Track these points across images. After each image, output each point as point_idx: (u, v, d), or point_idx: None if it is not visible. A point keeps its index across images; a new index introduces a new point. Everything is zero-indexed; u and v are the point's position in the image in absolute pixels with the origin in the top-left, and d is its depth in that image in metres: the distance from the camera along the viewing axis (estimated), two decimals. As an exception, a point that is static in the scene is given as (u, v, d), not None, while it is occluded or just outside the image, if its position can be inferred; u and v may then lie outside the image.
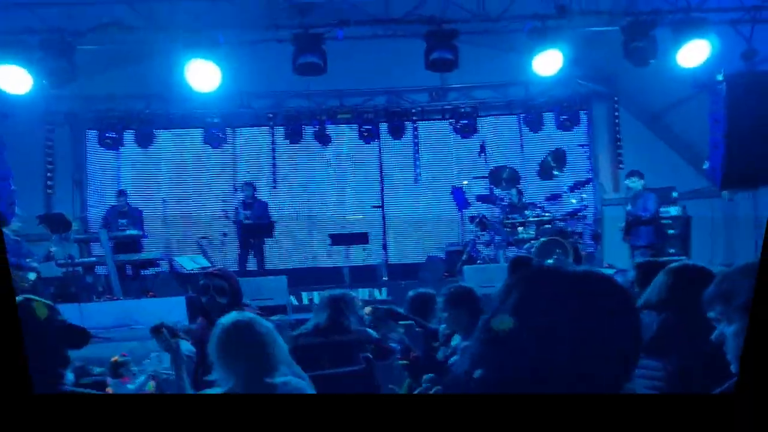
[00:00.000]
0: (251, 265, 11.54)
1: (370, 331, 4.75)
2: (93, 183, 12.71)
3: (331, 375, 4.37)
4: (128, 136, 12.53)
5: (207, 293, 4.15)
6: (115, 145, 12.45)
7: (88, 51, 8.61)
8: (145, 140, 12.51)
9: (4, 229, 8.19)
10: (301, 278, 10.84)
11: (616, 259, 10.65)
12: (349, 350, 4.62)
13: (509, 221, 10.33)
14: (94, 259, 10.79)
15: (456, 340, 4.13)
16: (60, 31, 8.07)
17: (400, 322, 4.39)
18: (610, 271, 8.86)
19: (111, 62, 11.00)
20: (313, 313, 5.32)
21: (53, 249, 9.15)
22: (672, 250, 10.05)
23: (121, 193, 11.28)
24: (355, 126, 12.72)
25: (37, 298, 2.57)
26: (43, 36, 8.01)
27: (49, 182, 12.27)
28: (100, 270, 10.76)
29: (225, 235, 11.92)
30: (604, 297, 1.18)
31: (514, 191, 10.62)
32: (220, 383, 2.83)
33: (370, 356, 4.61)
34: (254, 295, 8.45)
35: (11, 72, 7.99)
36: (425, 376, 2.98)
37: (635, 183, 9.68)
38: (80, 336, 2.57)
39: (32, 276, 8.39)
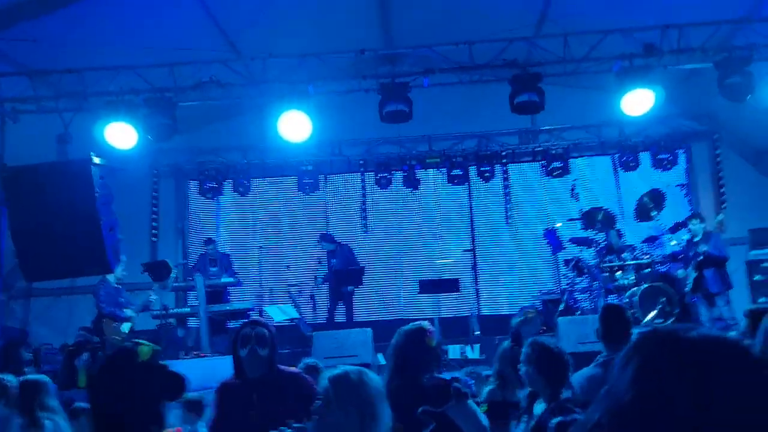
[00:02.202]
0: (339, 316, 11.48)
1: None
2: (194, 231, 13.30)
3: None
4: (227, 185, 13.06)
5: (247, 344, 3.57)
6: (215, 194, 13.01)
7: (189, 107, 9.17)
8: (242, 188, 13.01)
9: (108, 277, 8.68)
10: (388, 331, 10.45)
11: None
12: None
13: (606, 264, 9.91)
14: (187, 309, 10.66)
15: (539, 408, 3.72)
16: (162, 90, 8.65)
17: None
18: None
19: (210, 117, 11.65)
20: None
21: (153, 298, 9.26)
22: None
23: (209, 241, 11.51)
24: (444, 170, 12.73)
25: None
26: (147, 95, 8.61)
27: (154, 231, 12.95)
28: (191, 322, 10.72)
29: (316, 279, 11.79)
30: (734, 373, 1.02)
31: (613, 232, 10.22)
32: None
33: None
34: (335, 351, 8.10)
35: (119, 129, 8.61)
36: None
37: (696, 226, 9.14)
38: (178, 383, 2.42)
39: (126, 327, 8.68)
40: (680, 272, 9.51)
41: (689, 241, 9.39)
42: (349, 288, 11.49)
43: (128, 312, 8.79)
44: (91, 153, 8.13)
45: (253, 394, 3.49)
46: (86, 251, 8.05)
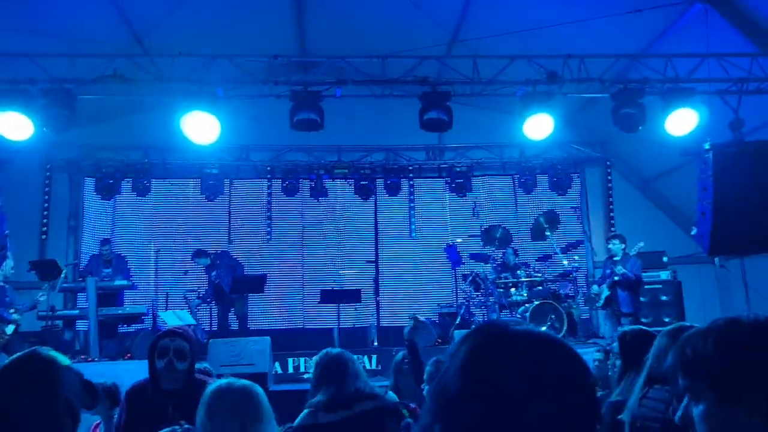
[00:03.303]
0: (234, 324, 11.26)
1: (391, 394, 4.23)
2: (88, 230, 12.71)
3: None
4: (125, 184, 12.59)
5: (165, 356, 3.43)
6: (112, 192, 12.50)
7: (89, 101, 8.78)
8: (141, 188, 12.58)
9: (-7, 275, 8.17)
10: (287, 341, 10.27)
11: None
12: (381, 420, 3.59)
13: (501, 281, 10.31)
14: (76, 311, 10.24)
15: None
16: (62, 81, 8.24)
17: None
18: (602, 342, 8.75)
19: (112, 113, 11.19)
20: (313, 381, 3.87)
21: (41, 298, 8.85)
22: (667, 319, 9.92)
23: (105, 241, 11.12)
24: (351, 181, 12.84)
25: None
26: (45, 85, 8.18)
27: (44, 228, 12.27)
28: (80, 325, 10.28)
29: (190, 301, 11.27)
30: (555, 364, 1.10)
31: (509, 250, 10.64)
32: None
33: (410, 422, 3.82)
34: (231, 359, 7.94)
35: (12, 118, 8.12)
36: None
37: (617, 246, 9.50)
38: (92, 394, 2.30)
39: (10, 329, 8.20)
40: (594, 288, 9.88)
41: (607, 260, 9.75)
42: (244, 295, 11.27)
43: (14, 315, 8.29)
44: (-20, 142, 7.64)
45: (168, 405, 3.35)
46: (-32, 246, 7.57)
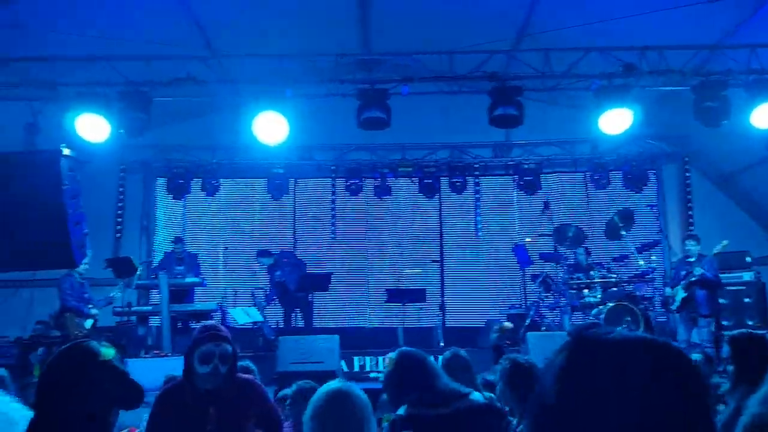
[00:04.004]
0: (298, 321, 11.31)
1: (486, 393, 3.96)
2: (160, 229, 13.04)
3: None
4: (195, 184, 12.85)
5: (210, 362, 3.31)
6: (183, 192, 12.79)
7: (162, 103, 8.98)
8: (210, 188, 12.81)
9: (72, 272, 8.44)
10: (351, 339, 10.11)
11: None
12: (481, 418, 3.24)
13: (574, 282, 10.00)
14: (149, 308, 10.56)
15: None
16: (138, 84, 8.45)
17: None
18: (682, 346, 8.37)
19: (181, 114, 11.42)
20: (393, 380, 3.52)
21: (116, 295, 9.12)
22: (751, 322, 9.44)
23: (178, 240, 11.39)
24: (416, 179, 12.73)
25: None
26: (122, 88, 8.40)
27: (118, 227, 12.65)
28: (153, 321, 10.57)
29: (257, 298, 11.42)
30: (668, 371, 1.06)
31: (581, 250, 10.31)
32: None
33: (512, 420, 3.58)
34: (300, 356, 7.98)
35: (91, 120, 8.38)
36: None
37: (694, 246, 9.14)
38: (136, 393, 2.31)
39: (89, 324, 8.48)
40: (667, 290, 9.55)
41: (681, 261, 9.42)
42: (309, 294, 11.33)
43: (93, 309, 8.56)
44: (62, 144, 7.89)
45: (209, 407, 3.28)
46: (51, 244, 7.81)
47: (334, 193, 13.14)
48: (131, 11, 8.89)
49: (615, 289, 9.80)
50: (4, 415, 2.69)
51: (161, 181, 13.02)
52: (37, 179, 7.85)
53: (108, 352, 2.21)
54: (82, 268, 8.66)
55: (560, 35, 8.89)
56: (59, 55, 8.49)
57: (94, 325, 8.60)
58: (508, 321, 10.90)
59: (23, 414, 2.65)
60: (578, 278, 10.14)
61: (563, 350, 1.14)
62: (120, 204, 12.75)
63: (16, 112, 8.80)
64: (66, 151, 7.94)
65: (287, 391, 5.25)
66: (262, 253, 11.46)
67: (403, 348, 3.65)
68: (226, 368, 3.34)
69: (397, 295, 11.06)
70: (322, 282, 11.30)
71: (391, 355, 3.59)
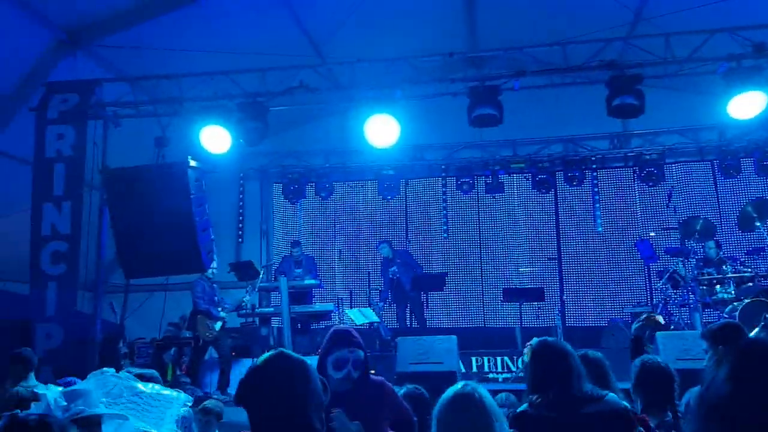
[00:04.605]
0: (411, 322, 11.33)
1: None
2: (278, 233, 13.50)
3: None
4: (309, 188, 13.20)
5: (344, 368, 3.37)
6: (298, 197, 13.18)
7: (276, 111, 9.30)
8: (324, 192, 13.11)
9: (203, 276, 8.92)
10: (467, 339, 9.84)
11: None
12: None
13: (704, 277, 9.40)
14: (270, 309, 10.82)
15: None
16: (254, 95, 8.80)
17: None
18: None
19: (294, 121, 11.80)
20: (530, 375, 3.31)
21: (246, 299, 9.47)
22: None
23: (296, 243, 11.67)
24: (529, 175, 12.45)
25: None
26: (241, 100, 8.78)
27: (240, 233, 13.23)
28: (274, 322, 10.89)
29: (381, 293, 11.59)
30: None
31: (711, 243, 9.68)
32: None
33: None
34: (419, 357, 7.91)
35: (215, 132, 8.82)
36: None
37: None
38: (326, 392, 2.31)
39: (218, 326, 8.90)
40: None
41: None
42: (422, 293, 11.32)
43: (221, 313, 9.00)
44: (189, 156, 8.35)
45: (335, 407, 3.23)
46: (182, 250, 8.30)
47: (445, 193, 13.09)
48: (245, 27, 9.29)
49: (750, 284, 9.12)
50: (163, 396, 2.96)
51: (277, 187, 13.47)
52: (167, 190, 8.38)
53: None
54: (209, 272, 9.11)
55: (680, 17, 8.40)
56: (183, 72, 8.99)
57: (222, 327, 9.00)
58: (632, 320, 10.44)
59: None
60: (709, 273, 9.52)
61: (733, 351, 1.28)
62: (240, 210, 13.33)
63: (146, 127, 9.42)
64: (192, 162, 8.41)
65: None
66: (384, 242, 11.59)
67: (547, 338, 3.40)
68: (358, 373, 3.38)
69: (513, 295, 10.85)
70: (437, 282, 11.28)
71: (532, 342, 3.41)
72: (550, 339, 3.35)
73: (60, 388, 3.49)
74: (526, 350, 3.35)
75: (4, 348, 8.02)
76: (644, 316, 4.96)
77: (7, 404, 3.71)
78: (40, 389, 4.38)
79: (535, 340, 3.37)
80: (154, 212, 8.34)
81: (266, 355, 2.13)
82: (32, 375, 5.42)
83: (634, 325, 4.68)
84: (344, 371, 3.36)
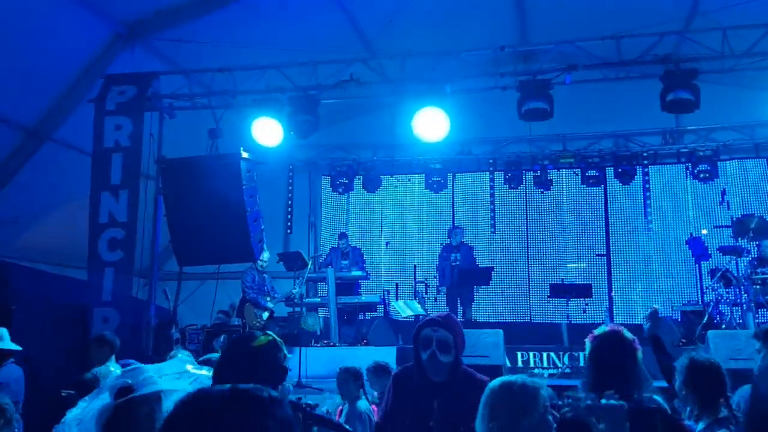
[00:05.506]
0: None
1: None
2: (326, 225, 13.67)
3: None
4: (357, 181, 13.33)
5: (429, 348, 3.26)
6: (346, 189, 13.31)
7: (325, 104, 9.43)
8: (371, 185, 13.23)
9: (254, 266, 9.14)
10: (513, 334, 9.70)
11: None
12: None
13: (758, 277, 9.18)
14: (317, 300, 11.02)
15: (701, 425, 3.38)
16: (306, 88, 8.94)
17: None
18: None
19: (342, 114, 11.91)
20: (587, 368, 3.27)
21: (295, 291, 9.63)
22: None
23: (343, 235, 11.82)
24: (578, 170, 12.31)
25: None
26: (291, 93, 8.93)
27: (288, 224, 13.45)
28: (321, 312, 11.01)
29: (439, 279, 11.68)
30: None
31: (766, 242, 9.44)
32: None
33: None
34: (466, 350, 8.09)
35: (267, 124, 9.01)
36: None
37: None
38: (280, 374, 2.64)
39: (265, 316, 9.09)
40: None
41: None
42: (470, 287, 11.33)
43: (270, 303, 9.19)
44: (241, 148, 8.55)
45: (434, 400, 3.20)
46: (234, 240, 8.52)
47: (492, 187, 13.03)
48: (297, 22, 9.43)
49: (808, 285, 8.87)
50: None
51: (325, 179, 13.63)
52: (220, 180, 8.60)
53: (261, 339, 2.66)
54: (259, 263, 9.31)
55: (738, 11, 8.18)
56: (237, 65, 9.19)
57: (270, 316, 9.20)
58: (682, 318, 10.28)
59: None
60: (763, 273, 9.30)
61: None
62: (289, 202, 13.54)
63: (200, 119, 9.66)
64: (244, 154, 8.61)
65: None
66: (459, 229, 11.69)
67: (611, 327, 3.29)
68: (447, 358, 3.26)
69: (560, 291, 10.77)
70: (484, 276, 11.26)
71: (597, 330, 3.28)
72: (615, 329, 3.23)
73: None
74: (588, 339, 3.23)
75: (64, 331, 8.42)
76: (648, 313, 4.87)
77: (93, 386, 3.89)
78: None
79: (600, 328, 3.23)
80: (207, 202, 8.58)
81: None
82: (113, 357, 5.62)
83: (645, 326, 4.60)
84: (429, 351, 3.26)
